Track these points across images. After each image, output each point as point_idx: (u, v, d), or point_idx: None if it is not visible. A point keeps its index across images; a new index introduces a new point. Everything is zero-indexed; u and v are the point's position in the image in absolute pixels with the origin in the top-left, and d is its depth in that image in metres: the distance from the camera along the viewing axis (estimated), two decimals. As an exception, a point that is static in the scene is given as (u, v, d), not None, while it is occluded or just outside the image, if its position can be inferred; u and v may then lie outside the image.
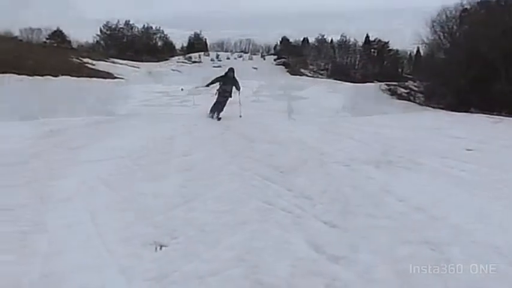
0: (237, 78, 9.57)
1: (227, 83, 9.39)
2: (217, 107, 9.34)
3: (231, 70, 9.71)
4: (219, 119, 9.12)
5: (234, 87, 9.43)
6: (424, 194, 3.84)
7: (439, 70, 15.92)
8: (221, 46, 61.25)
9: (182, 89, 8.45)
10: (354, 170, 4.74)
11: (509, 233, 2.89)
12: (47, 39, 42.75)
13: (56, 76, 16.66)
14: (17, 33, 40.08)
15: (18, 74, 14.23)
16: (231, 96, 9.47)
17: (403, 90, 19.24)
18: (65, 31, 43.64)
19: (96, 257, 2.38)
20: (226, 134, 6.98)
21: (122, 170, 4.26)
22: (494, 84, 13.39)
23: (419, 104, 16.35)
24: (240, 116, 9.35)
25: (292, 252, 2.57)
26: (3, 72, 13.17)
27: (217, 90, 9.44)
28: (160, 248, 2.55)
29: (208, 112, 9.37)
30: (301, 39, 54.64)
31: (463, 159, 5.33)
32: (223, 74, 9.78)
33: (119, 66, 29.77)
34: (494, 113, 12.67)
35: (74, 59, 26.28)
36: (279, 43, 57.24)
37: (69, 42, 43.35)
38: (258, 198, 3.57)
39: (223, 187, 3.87)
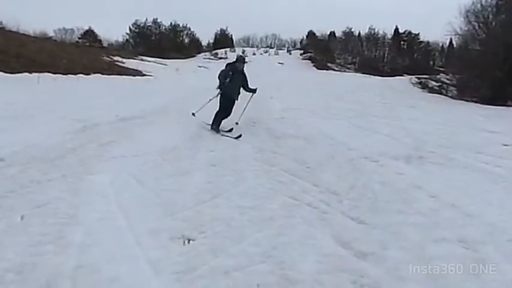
0: (246, 73, 7.06)
1: (234, 78, 6.77)
2: (222, 115, 6.75)
3: (241, 60, 7.13)
4: (232, 132, 6.53)
5: (241, 87, 6.97)
6: (457, 190, 3.72)
7: (473, 62, 15.24)
8: (247, 41, 61.54)
9: (194, 114, 7.07)
10: (383, 165, 4.65)
11: (548, 232, 2.76)
12: (79, 38, 44.46)
13: (88, 74, 17.21)
14: (51, 33, 41.99)
15: (53, 73, 14.79)
16: (237, 99, 6.98)
17: (434, 83, 18.58)
18: (96, 30, 45.33)
19: (127, 250, 2.46)
20: (252, 129, 6.99)
21: (151, 165, 4.37)
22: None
23: (451, 97, 15.72)
24: (237, 123, 6.91)
25: (319, 248, 2.56)
26: (38, 72, 13.73)
27: (219, 89, 6.83)
28: (188, 242, 2.59)
29: (211, 124, 6.67)
30: (328, 32, 53.97)
31: (498, 155, 5.12)
32: (226, 66, 7.04)
33: (148, 64, 30.45)
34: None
35: (105, 58, 27.13)
36: (305, 37, 56.79)
37: (100, 41, 44.88)
38: (284, 194, 3.58)
39: (249, 183, 3.89)
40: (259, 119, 8.03)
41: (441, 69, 31.25)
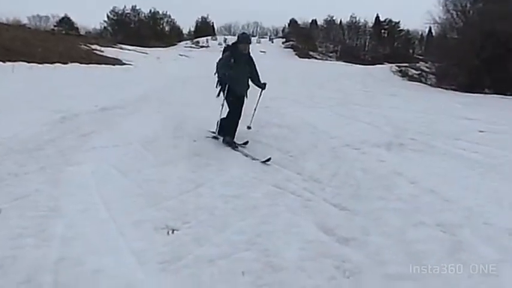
0: (253, 58, 5.10)
1: (238, 67, 4.83)
2: (236, 119, 4.97)
3: (245, 39, 5.01)
4: (248, 147, 4.92)
5: (250, 78, 5.05)
6: (436, 176, 3.83)
7: (451, 50, 15.54)
8: (228, 30, 60.87)
9: (214, 133, 5.14)
10: (365, 153, 4.72)
11: (522, 214, 2.88)
12: (55, 26, 43.01)
13: (65, 63, 16.66)
14: (25, 21, 40.44)
15: (28, 62, 14.26)
16: (247, 96, 5.10)
17: (414, 71, 18.87)
18: (73, 18, 43.95)
19: (110, 241, 2.43)
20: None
21: (133, 156, 4.30)
22: (509, 64, 13.01)
23: (431, 85, 16.02)
24: (249, 128, 5.24)
25: (302, 235, 2.59)
26: (12, 61, 13.22)
27: (218, 85, 4.97)
28: (172, 232, 2.58)
29: (221, 134, 5.08)
30: (310, 21, 53.97)
31: (475, 141, 5.28)
32: (225, 50, 5.12)
33: (127, 52, 29.74)
34: (509, 94, 12.38)
35: (83, 46, 26.31)
36: (287, 25, 56.60)
37: (77, 29, 43.55)
38: (268, 183, 3.59)
39: (233, 172, 3.89)
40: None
41: (421, 57, 31.72)
